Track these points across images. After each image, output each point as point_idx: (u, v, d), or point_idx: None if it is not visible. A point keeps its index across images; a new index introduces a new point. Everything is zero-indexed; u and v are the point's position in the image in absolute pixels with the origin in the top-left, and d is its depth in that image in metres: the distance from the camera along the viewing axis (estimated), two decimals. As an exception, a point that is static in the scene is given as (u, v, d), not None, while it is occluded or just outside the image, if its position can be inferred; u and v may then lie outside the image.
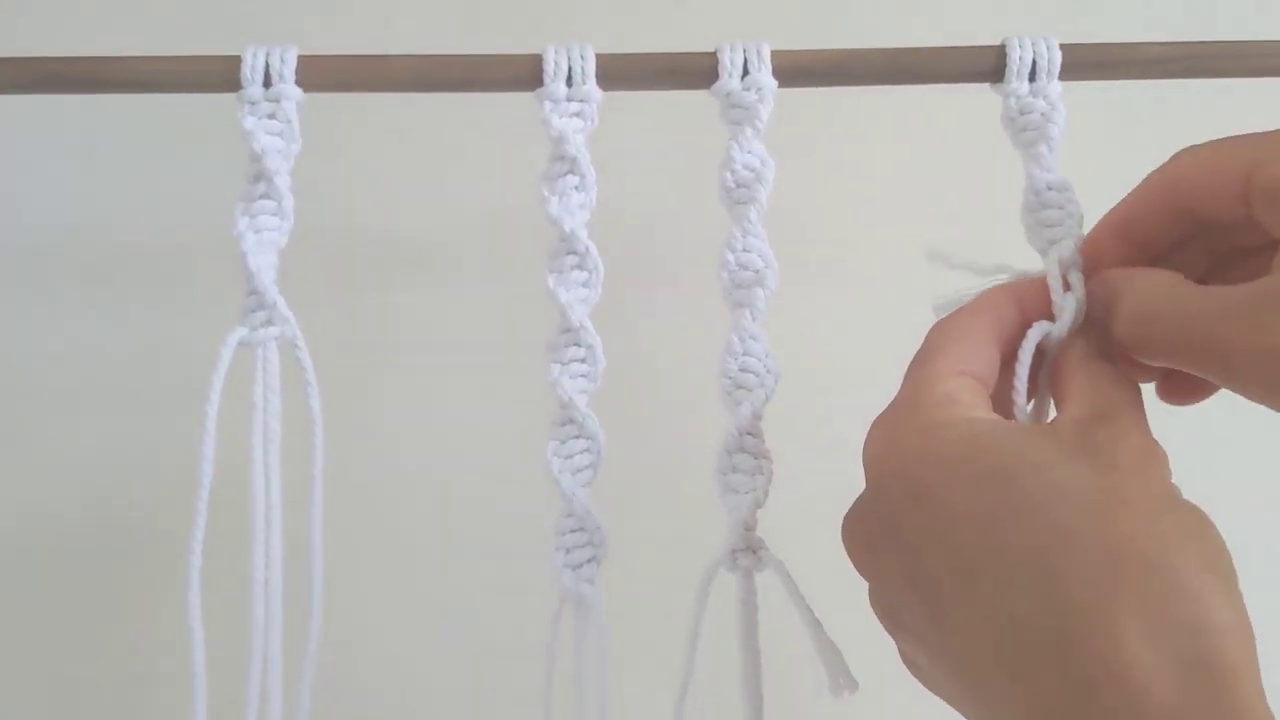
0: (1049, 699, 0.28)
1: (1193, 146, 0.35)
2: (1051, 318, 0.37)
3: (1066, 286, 0.37)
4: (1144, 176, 0.37)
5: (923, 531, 0.31)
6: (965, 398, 0.34)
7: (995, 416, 0.34)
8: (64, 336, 0.63)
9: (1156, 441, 0.32)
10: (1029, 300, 0.37)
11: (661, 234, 0.61)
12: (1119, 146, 0.63)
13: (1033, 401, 0.37)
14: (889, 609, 0.33)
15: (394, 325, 0.63)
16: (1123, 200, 0.38)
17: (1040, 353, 0.37)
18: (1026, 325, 0.36)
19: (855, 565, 0.34)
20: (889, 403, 0.35)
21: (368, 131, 0.63)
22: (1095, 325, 0.37)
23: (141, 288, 0.63)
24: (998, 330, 0.36)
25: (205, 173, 0.59)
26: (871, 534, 0.33)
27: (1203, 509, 0.30)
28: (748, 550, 0.40)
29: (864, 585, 0.34)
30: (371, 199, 0.64)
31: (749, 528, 0.40)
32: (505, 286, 0.62)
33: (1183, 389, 0.37)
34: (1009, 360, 0.36)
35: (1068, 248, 0.39)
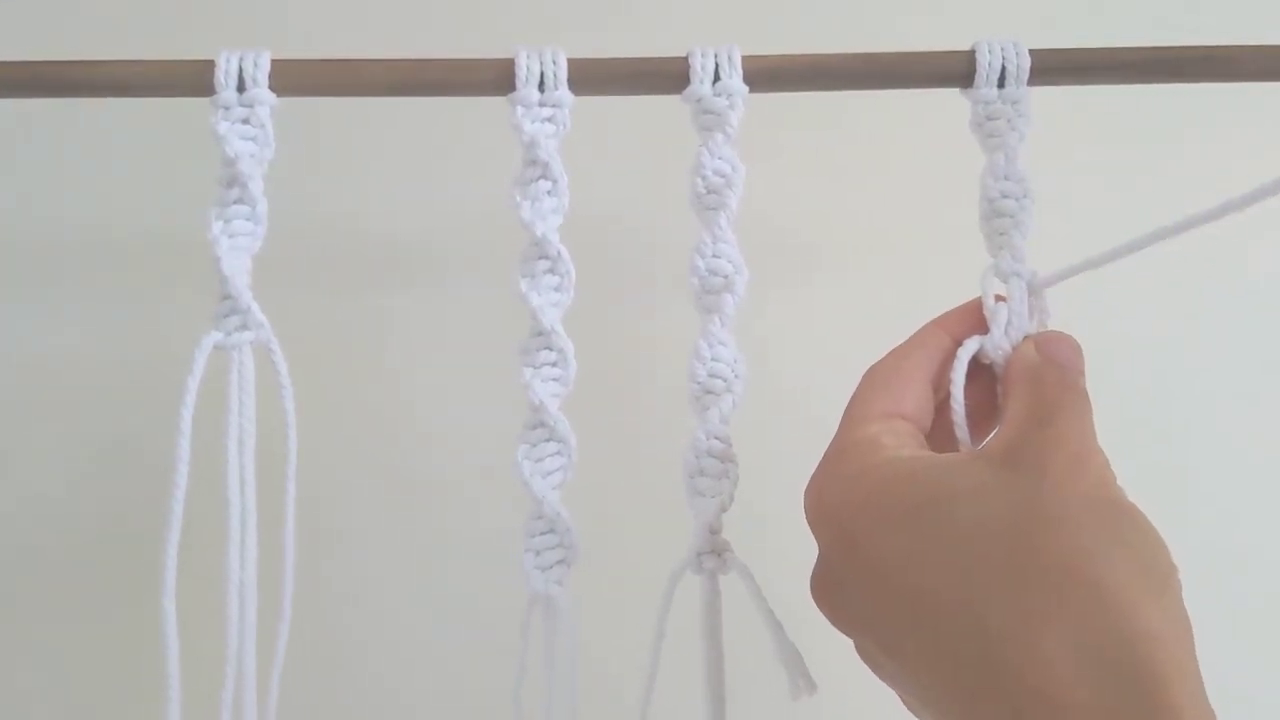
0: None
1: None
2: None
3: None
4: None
5: (861, 582, 0.32)
6: (889, 440, 0.34)
7: (921, 453, 0.34)
8: (38, 338, 0.63)
9: (1094, 444, 0.32)
10: (961, 326, 0.38)
11: (634, 238, 0.62)
12: (1095, 151, 0.64)
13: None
14: (868, 659, 0.34)
15: (379, 327, 0.64)
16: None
17: (990, 371, 0.37)
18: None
19: (830, 622, 0.34)
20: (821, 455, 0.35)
21: (352, 132, 0.63)
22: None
23: (118, 290, 0.63)
24: (929, 366, 0.36)
25: (183, 176, 0.59)
26: (829, 591, 0.34)
27: (1138, 508, 0.30)
28: (713, 553, 0.41)
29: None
30: (356, 201, 0.64)
31: (714, 531, 0.41)
32: (490, 288, 0.62)
33: None
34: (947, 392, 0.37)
35: (1005, 259, 0.40)
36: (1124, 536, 0.29)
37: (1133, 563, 0.29)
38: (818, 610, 0.34)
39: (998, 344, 0.37)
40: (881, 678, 0.33)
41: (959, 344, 0.37)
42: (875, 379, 0.36)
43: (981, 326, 0.38)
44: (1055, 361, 0.35)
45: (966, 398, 0.36)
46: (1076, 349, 0.36)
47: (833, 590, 0.33)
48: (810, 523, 0.34)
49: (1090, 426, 0.33)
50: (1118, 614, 0.27)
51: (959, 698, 0.29)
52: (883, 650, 0.32)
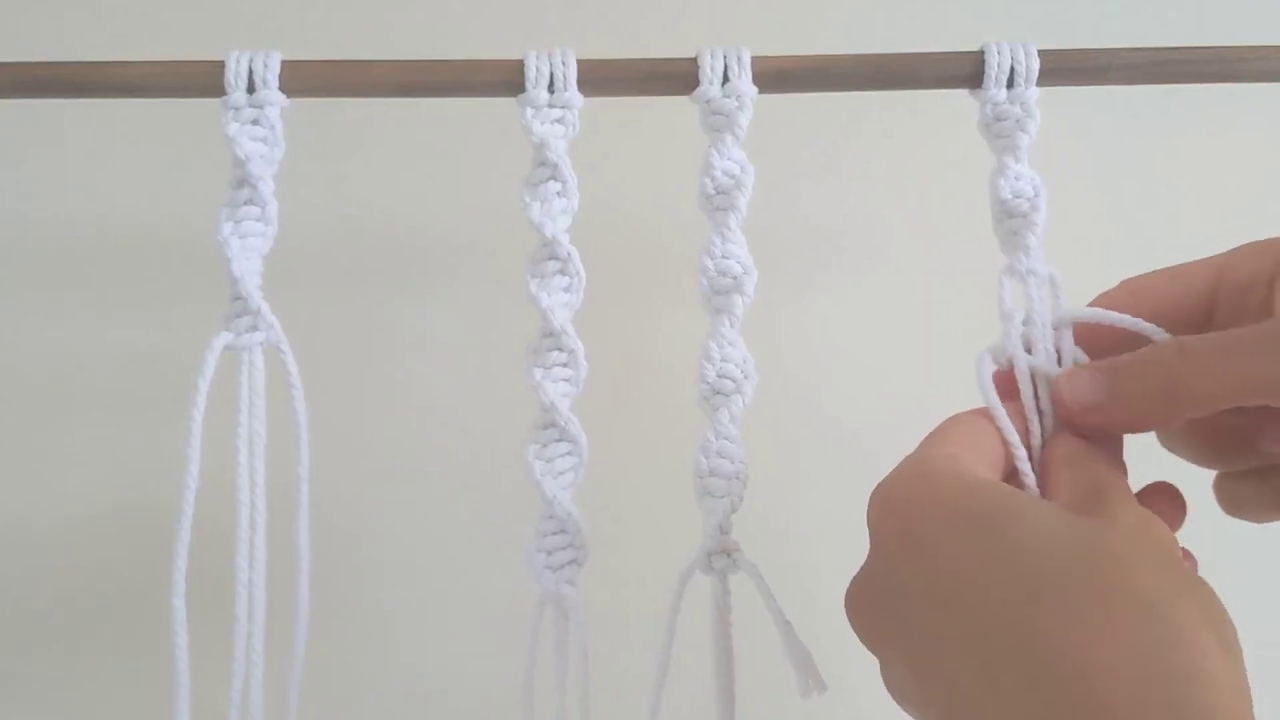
0: None
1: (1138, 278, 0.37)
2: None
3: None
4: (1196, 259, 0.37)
5: (913, 586, 0.31)
6: (969, 458, 0.34)
7: (996, 480, 0.34)
8: (50, 339, 0.63)
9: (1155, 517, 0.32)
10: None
11: (644, 239, 0.62)
12: (1107, 151, 0.65)
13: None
14: (893, 682, 0.33)
15: (390, 328, 0.64)
16: (1160, 275, 0.37)
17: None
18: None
19: (860, 638, 0.33)
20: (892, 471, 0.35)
21: (361, 133, 0.63)
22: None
23: (128, 292, 0.63)
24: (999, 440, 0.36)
25: (194, 177, 0.59)
26: (871, 597, 0.33)
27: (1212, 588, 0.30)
28: (723, 553, 0.41)
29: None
30: (365, 202, 0.64)
31: (724, 530, 0.41)
32: (500, 289, 0.62)
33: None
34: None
35: (1020, 259, 0.40)
36: (1195, 590, 0.29)
37: (1202, 614, 0.28)
38: (847, 621, 0.34)
39: (1014, 343, 0.37)
40: (904, 704, 0.33)
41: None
42: (960, 421, 0.36)
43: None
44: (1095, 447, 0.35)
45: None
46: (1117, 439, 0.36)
47: (875, 597, 0.33)
48: (873, 521, 0.33)
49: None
50: (1182, 651, 0.27)
51: (996, 716, 0.28)
52: (913, 668, 0.31)
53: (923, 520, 0.32)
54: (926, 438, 0.35)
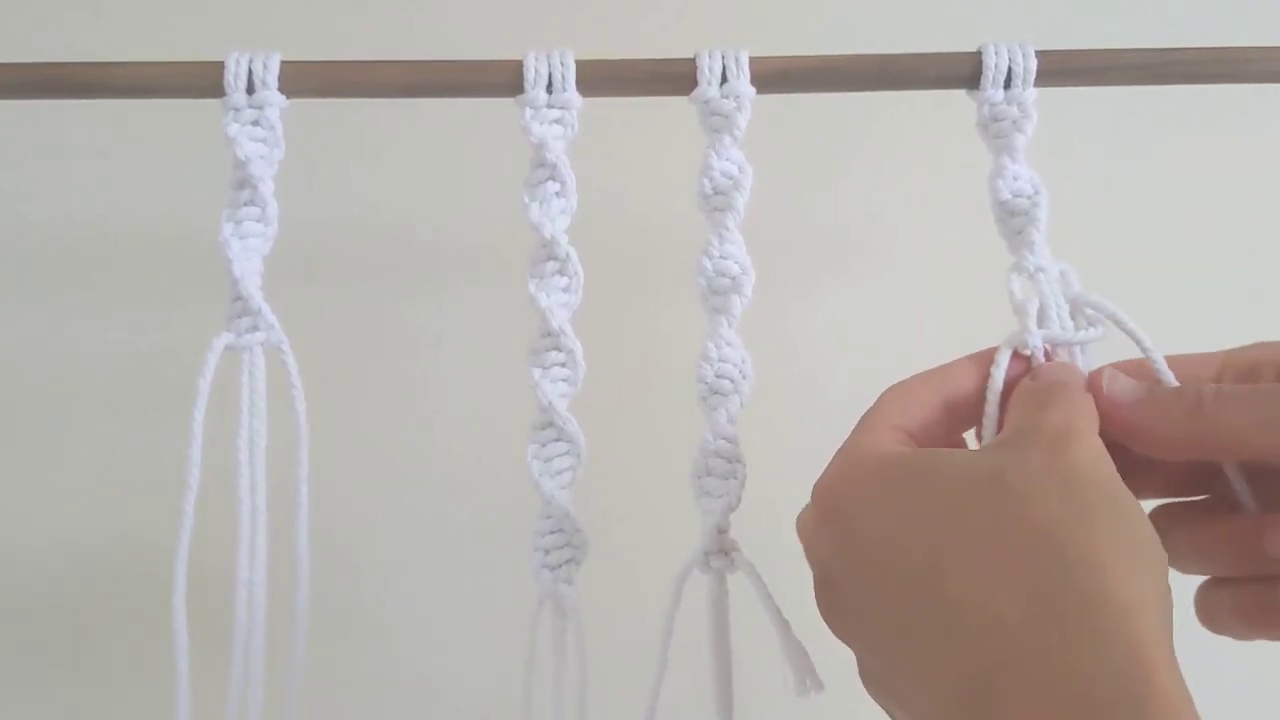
0: (950, 694, 0.28)
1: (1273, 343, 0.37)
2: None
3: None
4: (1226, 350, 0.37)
5: (851, 570, 0.32)
6: (893, 434, 0.35)
7: (918, 449, 0.34)
8: (50, 339, 0.63)
9: (1085, 430, 0.32)
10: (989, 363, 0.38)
11: (643, 239, 0.62)
12: (1107, 151, 0.64)
13: None
14: (867, 678, 0.33)
15: (389, 328, 0.64)
16: (1190, 359, 0.38)
17: None
18: (981, 390, 0.37)
19: (834, 633, 0.34)
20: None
21: (361, 134, 0.63)
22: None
23: (129, 292, 0.63)
24: (945, 392, 0.37)
25: (195, 177, 0.59)
26: (828, 593, 0.34)
27: (1127, 490, 0.30)
28: (720, 553, 0.41)
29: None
30: (365, 202, 0.64)
31: (722, 530, 0.41)
32: (499, 289, 0.62)
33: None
34: (964, 417, 0.37)
35: (1026, 256, 0.40)
36: (1102, 508, 0.29)
37: (1110, 534, 0.28)
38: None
39: (1033, 337, 0.38)
40: (881, 701, 0.33)
41: (980, 380, 0.37)
42: (889, 395, 0.37)
43: (1015, 368, 0.38)
44: (1051, 377, 0.36)
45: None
46: (1073, 369, 0.37)
47: (831, 591, 0.34)
48: (813, 518, 0.35)
49: (1085, 416, 0.33)
50: (1084, 576, 0.27)
51: (929, 663, 0.29)
52: (858, 651, 0.32)
53: (845, 501, 0.33)
54: (858, 421, 0.36)
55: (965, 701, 0.28)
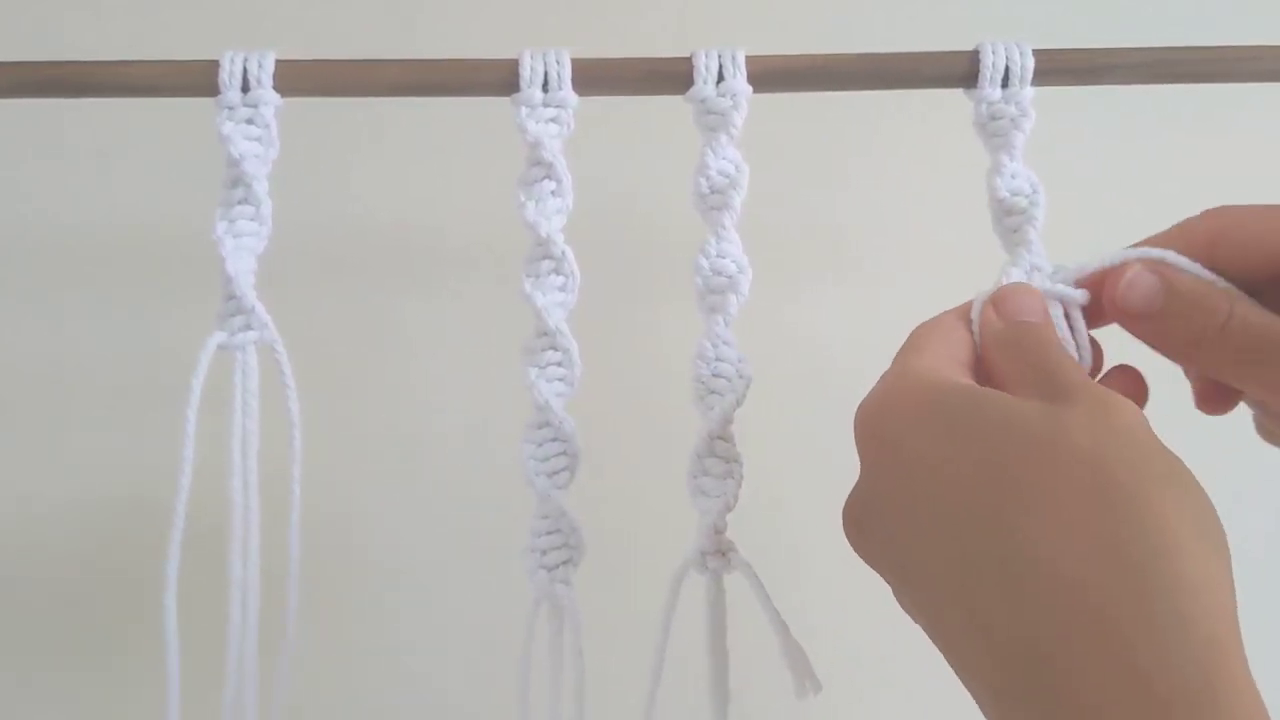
0: (1001, 646, 0.27)
1: (1228, 208, 0.36)
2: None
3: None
4: (1178, 222, 0.37)
5: (890, 485, 0.31)
6: (942, 364, 0.34)
7: (969, 380, 0.34)
8: (41, 339, 0.63)
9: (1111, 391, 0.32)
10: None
11: (638, 238, 0.62)
12: (1106, 150, 0.64)
13: None
14: (900, 596, 0.33)
15: (383, 327, 0.64)
16: (1153, 239, 0.38)
17: None
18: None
19: (860, 556, 0.33)
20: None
21: (356, 133, 0.63)
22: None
23: (122, 291, 0.63)
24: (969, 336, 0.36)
25: (192, 176, 0.59)
26: (860, 512, 0.33)
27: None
28: (717, 553, 0.41)
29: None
30: (360, 201, 0.64)
31: (719, 530, 0.41)
32: (494, 288, 0.62)
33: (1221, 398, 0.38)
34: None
35: (1022, 255, 0.40)
36: (1174, 479, 0.28)
37: (1184, 508, 0.28)
38: (849, 546, 0.34)
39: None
40: (912, 616, 0.32)
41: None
42: (932, 329, 0.36)
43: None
44: (1021, 320, 0.35)
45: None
46: (1034, 294, 0.36)
47: (863, 510, 0.33)
48: (856, 434, 0.34)
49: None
50: (1162, 551, 0.26)
51: (983, 611, 0.28)
52: (903, 576, 0.31)
53: (895, 423, 0.32)
54: (901, 349, 0.36)
55: (1018, 657, 0.27)
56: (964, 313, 0.37)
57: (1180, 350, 0.36)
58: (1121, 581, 0.26)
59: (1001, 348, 0.35)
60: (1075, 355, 0.37)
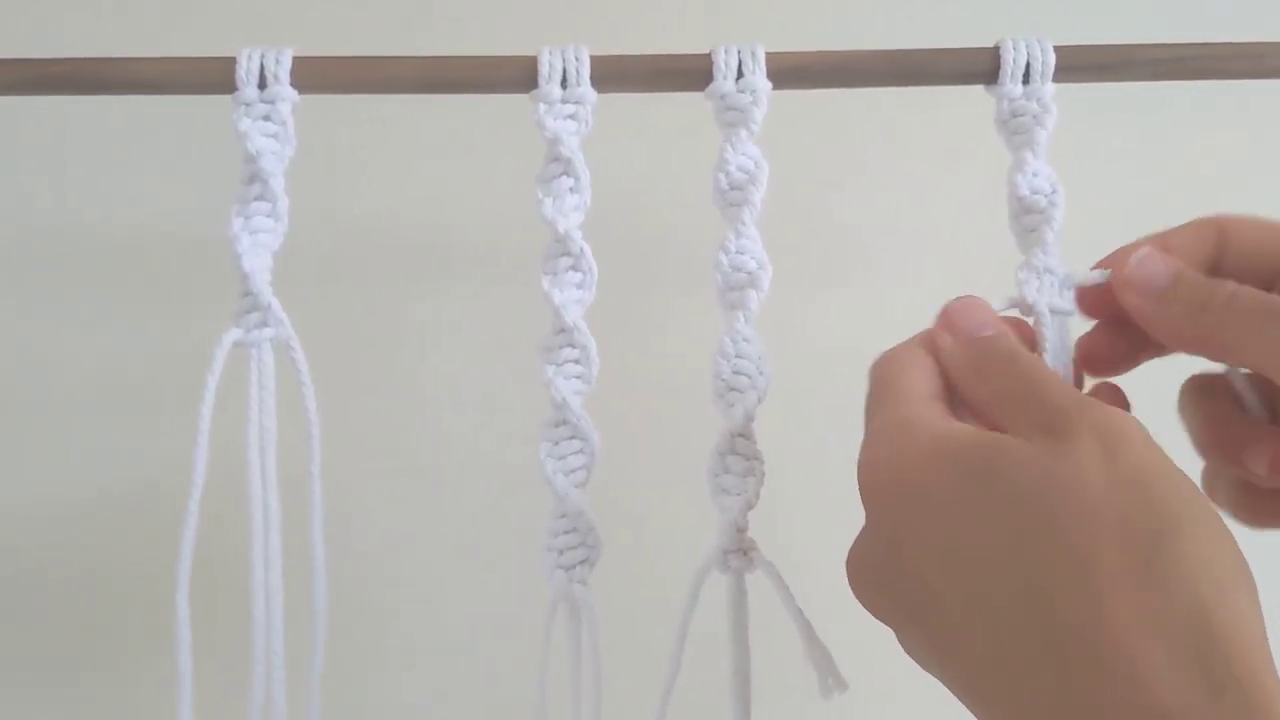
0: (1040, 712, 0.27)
1: (1229, 216, 0.37)
2: None
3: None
4: (1190, 220, 0.37)
5: (912, 534, 0.31)
6: (936, 410, 0.34)
7: (964, 426, 0.33)
8: (60, 337, 0.63)
9: (1134, 424, 0.31)
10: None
11: (657, 235, 0.62)
12: (1121, 146, 0.64)
13: None
14: (911, 651, 0.32)
15: (401, 324, 0.64)
16: (1163, 235, 0.37)
17: None
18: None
19: (867, 608, 0.33)
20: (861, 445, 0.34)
21: (373, 129, 0.63)
22: None
23: (138, 288, 0.63)
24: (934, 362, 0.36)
25: (204, 173, 0.59)
26: (873, 563, 0.32)
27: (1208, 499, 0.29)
28: (739, 552, 0.40)
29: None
30: (377, 198, 0.64)
31: (740, 529, 0.40)
32: (512, 285, 0.62)
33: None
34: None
35: (1038, 255, 0.41)
36: (1198, 520, 0.28)
37: (1212, 544, 0.27)
38: (853, 597, 0.33)
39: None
40: (925, 667, 0.32)
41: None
42: (890, 368, 0.35)
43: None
44: (976, 337, 0.35)
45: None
46: (981, 306, 0.36)
47: (878, 561, 0.32)
48: (866, 485, 0.33)
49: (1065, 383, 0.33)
50: (1195, 587, 0.26)
51: (1013, 675, 0.27)
52: (925, 630, 0.31)
53: (915, 469, 0.31)
54: (875, 397, 0.35)
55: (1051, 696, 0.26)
56: (925, 340, 0.36)
57: (1184, 325, 0.34)
58: (1170, 657, 0.25)
59: (966, 372, 0.34)
60: (1045, 359, 0.37)
